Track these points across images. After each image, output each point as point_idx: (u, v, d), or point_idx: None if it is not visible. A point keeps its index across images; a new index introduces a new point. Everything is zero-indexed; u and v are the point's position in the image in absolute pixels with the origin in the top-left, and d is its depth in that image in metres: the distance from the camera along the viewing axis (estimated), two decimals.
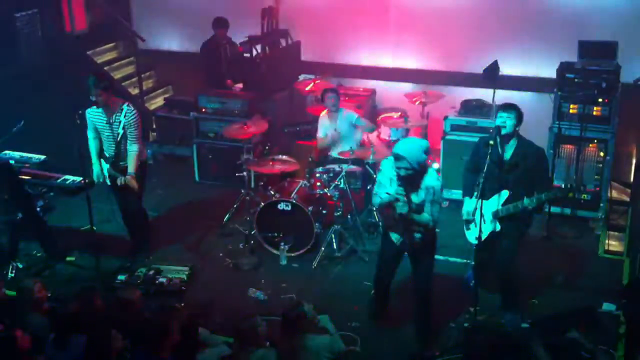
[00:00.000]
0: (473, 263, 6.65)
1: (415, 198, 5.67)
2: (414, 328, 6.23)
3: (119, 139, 7.00)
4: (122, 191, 7.21)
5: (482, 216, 5.85)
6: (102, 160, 7.19)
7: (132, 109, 7.01)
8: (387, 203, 5.72)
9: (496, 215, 6.02)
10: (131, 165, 7.03)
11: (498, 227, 6.05)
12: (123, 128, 6.95)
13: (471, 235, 6.34)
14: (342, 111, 8.31)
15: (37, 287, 5.72)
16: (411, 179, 5.62)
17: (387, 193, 5.68)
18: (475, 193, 6.01)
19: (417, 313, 6.22)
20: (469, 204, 6.24)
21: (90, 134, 7.16)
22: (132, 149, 7.02)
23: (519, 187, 5.93)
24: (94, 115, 7.06)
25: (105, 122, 7.01)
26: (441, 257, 7.42)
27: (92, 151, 7.21)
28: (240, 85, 9.96)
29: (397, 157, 5.58)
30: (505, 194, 5.98)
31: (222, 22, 9.75)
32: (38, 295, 5.70)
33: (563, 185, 6.04)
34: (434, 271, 6.15)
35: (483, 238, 6.00)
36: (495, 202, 6.02)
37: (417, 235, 5.83)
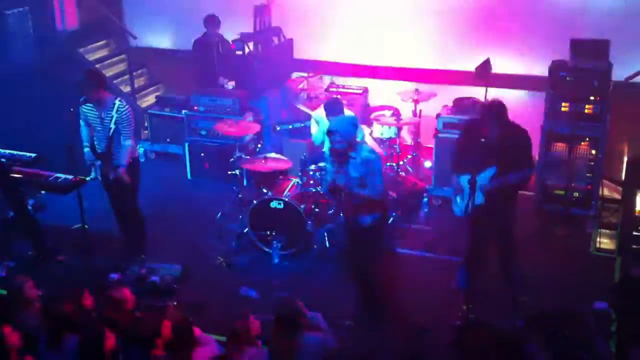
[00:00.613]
0: (463, 261, 6.65)
1: (354, 172, 6.04)
2: None
3: (110, 133, 6.96)
4: (115, 189, 7.19)
5: (473, 192, 5.99)
6: (94, 155, 7.18)
7: (125, 104, 6.99)
8: (332, 182, 6.26)
9: (481, 189, 6.23)
10: (123, 158, 7.01)
11: (481, 200, 6.25)
12: (115, 123, 6.92)
13: (457, 208, 6.51)
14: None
15: (28, 285, 5.70)
16: (345, 151, 6.06)
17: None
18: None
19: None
20: (460, 179, 6.41)
21: (82, 123, 7.17)
22: (126, 144, 7.01)
23: (504, 165, 6.13)
24: (87, 110, 7.06)
25: (96, 117, 6.99)
26: (433, 255, 7.47)
27: (84, 137, 7.20)
28: (232, 83, 9.95)
29: (331, 132, 6.09)
30: (492, 170, 6.14)
31: (213, 20, 9.72)
32: (28, 294, 5.68)
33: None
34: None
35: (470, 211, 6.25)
36: (483, 178, 6.22)
37: (366, 219, 6.20)
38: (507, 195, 6.34)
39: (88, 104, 7.00)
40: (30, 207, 7.72)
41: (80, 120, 7.18)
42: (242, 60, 9.67)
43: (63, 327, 5.13)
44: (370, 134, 8.83)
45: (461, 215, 6.42)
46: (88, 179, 7.17)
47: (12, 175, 7.26)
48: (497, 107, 6.18)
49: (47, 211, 8.16)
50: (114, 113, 6.90)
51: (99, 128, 7.04)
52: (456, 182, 6.47)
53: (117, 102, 6.94)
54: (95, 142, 7.14)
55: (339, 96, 8.89)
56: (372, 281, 6.47)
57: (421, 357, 5.95)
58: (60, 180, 7.26)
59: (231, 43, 9.80)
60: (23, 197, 7.48)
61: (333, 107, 7.63)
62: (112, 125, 6.94)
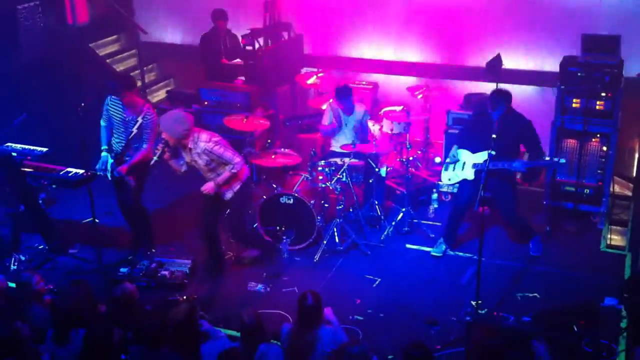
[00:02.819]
0: (476, 258, 6.65)
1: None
2: None
3: (130, 137, 7.05)
4: (119, 186, 7.25)
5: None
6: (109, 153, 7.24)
7: (151, 113, 7.07)
8: None
9: (477, 167, 6.94)
10: (132, 158, 7.08)
11: (471, 177, 7.01)
12: (137, 128, 7.01)
13: (445, 176, 7.32)
14: (355, 107, 8.28)
15: (35, 279, 5.72)
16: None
17: None
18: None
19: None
20: (458, 151, 7.19)
21: (103, 123, 7.23)
22: (143, 146, 7.10)
23: (501, 151, 6.55)
24: (113, 106, 7.12)
25: (122, 118, 7.06)
26: (439, 252, 7.47)
27: (103, 140, 7.25)
28: (242, 78, 9.95)
29: None
30: (490, 154, 6.34)
31: (221, 14, 9.74)
32: (37, 288, 5.71)
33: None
34: None
35: (453, 181, 7.27)
36: (480, 157, 6.84)
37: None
38: (503, 178, 6.85)
39: (116, 100, 7.06)
40: (41, 201, 7.76)
41: (102, 120, 7.22)
42: (252, 55, 9.67)
43: (71, 321, 5.15)
44: (380, 129, 8.82)
45: (446, 182, 7.44)
46: (99, 173, 7.20)
47: (23, 169, 7.29)
48: (503, 91, 6.96)
49: (58, 205, 8.19)
50: (139, 118, 6.98)
51: (121, 129, 7.11)
52: (452, 154, 7.17)
53: (145, 110, 7.03)
54: (114, 141, 7.20)
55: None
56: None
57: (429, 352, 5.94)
58: (71, 174, 7.29)
59: (240, 37, 9.80)
60: (34, 191, 7.51)
61: (343, 92, 8.05)
62: (135, 130, 7.01)
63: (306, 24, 10.42)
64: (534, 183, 8.36)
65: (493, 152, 6.32)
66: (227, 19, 9.76)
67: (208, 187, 6.89)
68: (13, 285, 5.89)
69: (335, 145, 8.31)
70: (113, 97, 7.09)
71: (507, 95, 6.97)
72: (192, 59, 10.46)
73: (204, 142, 6.72)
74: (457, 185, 7.46)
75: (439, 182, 8.47)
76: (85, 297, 5.42)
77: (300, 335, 5.17)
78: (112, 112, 7.13)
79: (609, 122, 7.71)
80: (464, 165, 7.14)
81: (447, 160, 7.33)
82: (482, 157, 6.86)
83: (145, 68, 11.08)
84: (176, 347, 4.99)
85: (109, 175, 7.20)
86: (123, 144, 7.11)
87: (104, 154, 7.22)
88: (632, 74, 8.47)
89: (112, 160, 7.18)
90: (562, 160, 6.83)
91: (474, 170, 7.03)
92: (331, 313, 5.69)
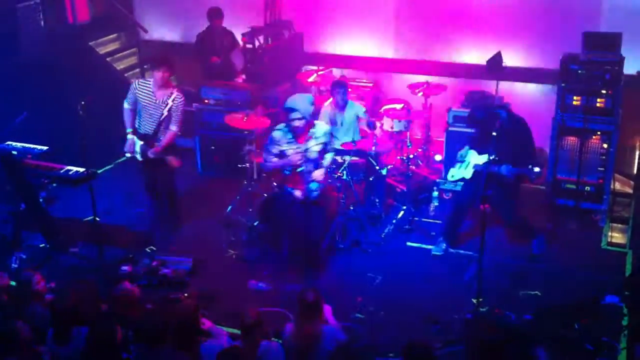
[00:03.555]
0: (477, 255, 6.64)
1: (313, 152, 6.79)
2: None
3: (161, 119, 7.30)
4: (152, 167, 7.53)
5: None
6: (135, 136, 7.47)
7: (181, 95, 7.38)
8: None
9: (477, 168, 7.01)
10: (164, 140, 7.38)
11: (469, 176, 7.12)
12: (168, 111, 7.26)
13: (450, 172, 7.36)
14: (350, 104, 8.27)
15: (36, 278, 5.72)
16: (303, 129, 6.70)
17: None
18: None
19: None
20: (469, 152, 7.19)
21: (127, 105, 7.46)
22: (173, 128, 7.39)
23: (501, 154, 6.60)
24: (142, 88, 7.37)
25: (152, 100, 7.30)
26: (440, 250, 7.47)
27: (127, 122, 7.49)
28: (242, 77, 9.96)
29: (289, 110, 6.67)
30: (489, 156, 6.46)
31: (216, 13, 9.75)
32: (37, 287, 5.69)
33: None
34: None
35: (455, 179, 7.33)
36: (482, 159, 6.92)
37: (314, 185, 6.84)
38: (501, 181, 6.82)
39: (147, 81, 7.35)
40: (41, 200, 7.75)
41: (125, 102, 7.45)
42: (252, 53, 9.67)
43: (71, 320, 5.15)
44: (381, 127, 8.82)
45: (449, 178, 7.45)
46: (123, 159, 7.35)
47: (24, 167, 7.29)
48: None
49: (59, 204, 8.20)
50: (170, 101, 7.25)
51: (151, 111, 7.33)
52: (462, 153, 7.22)
53: (175, 92, 7.34)
54: (141, 123, 7.41)
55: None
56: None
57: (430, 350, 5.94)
58: (71, 172, 7.29)
59: (242, 36, 9.81)
60: (34, 189, 7.51)
61: (337, 83, 8.32)
62: (165, 112, 7.26)
63: (306, 22, 10.42)
64: (536, 181, 8.36)
65: (493, 157, 6.38)
66: (223, 17, 9.76)
67: (318, 174, 6.98)
68: (14, 283, 5.89)
69: (336, 143, 8.30)
70: (141, 80, 7.45)
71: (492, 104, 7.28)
72: (192, 57, 10.46)
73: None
74: (459, 183, 7.45)
75: (440, 179, 8.48)
76: (86, 295, 5.43)
77: (302, 333, 5.16)
78: (140, 96, 7.35)
79: (609, 119, 7.71)
80: (468, 165, 7.18)
81: (458, 158, 7.33)
82: (483, 159, 6.86)
83: (145, 66, 11.06)
84: (177, 345, 4.99)
85: (139, 156, 7.44)
86: (154, 127, 7.35)
87: (129, 136, 7.45)
88: (633, 72, 8.46)
89: (141, 142, 7.38)
90: (537, 169, 6.65)
91: (473, 170, 7.08)
92: (330, 312, 5.69)
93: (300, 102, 6.89)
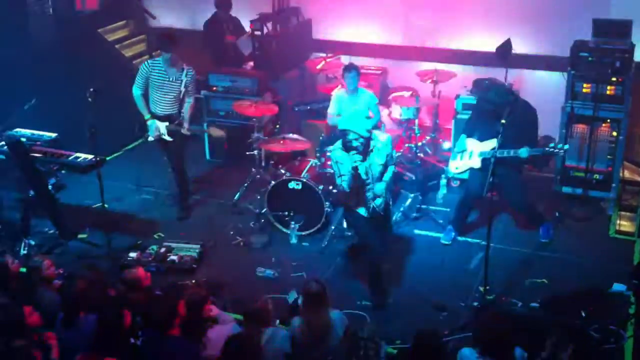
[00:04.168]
0: (485, 243, 6.64)
1: (376, 166, 6.17)
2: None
3: (181, 96, 7.51)
4: (175, 148, 7.75)
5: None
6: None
7: (191, 68, 7.64)
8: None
9: (482, 155, 6.91)
10: (187, 114, 7.62)
11: (478, 166, 7.01)
12: (185, 86, 7.47)
13: (452, 165, 7.33)
14: (362, 91, 8.21)
15: (46, 264, 5.77)
16: (364, 146, 6.04)
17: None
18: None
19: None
20: (466, 140, 7.15)
21: (139, 90, 7.57)
22: (189, 100, 7.59)
23: (508, 139, 6.48)
24: (153, 69, 7.50)
25: (165, 77, 7.47)
26: (449, 239, 7.47)
27: (143, 109, 7.61)
28: (250, 64, 9.94)
29: (345, 132, 6.02)
30: (496, 141, 6.41)
31: (223, 2, 9.74)
32: (47, 272, 5.75)
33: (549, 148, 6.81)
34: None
35: (461, 170, 7.26)
36: (486, 146, 6.87)
37: (378, 201, 6.28)
38: (510, 166, 6.80)
39: (158, 61, 7.50)
40: (50, 187, 7.79)
41: (136, 88, 7.54)
42: (260, 40, 9.65)
43: (80, 306, 5.19)
44: (389, 114, 8.80)
45: (454, 171, 7.38)
46: (132, 145, 7.44)
47: (32, 154, 7.33)
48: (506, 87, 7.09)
49: (67, 190, 8.23)
50: (183, 77, 7.45)
51: (166, 89, 7.49)
52: (460, 142, 7.18)
53: (186, 67, 7.54)
54: (158, 105, 7.56)
55: None
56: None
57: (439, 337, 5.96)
58: (80, 160, 7.32)
59: (249, 23, 9.78)
60: (43, 176, 7.54)
61: (348, 67, 8.04)
62: (182, 88, 7.47)
63: (315, 8, 10.37)
64: (544, 169, 8.35)
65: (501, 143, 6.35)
66: (231, 5, 9.75)
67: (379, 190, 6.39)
68: (24, 270, 5.93)
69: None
70: (150, 60, 7.59)
71: (507, 90, 7.02)
72: (201, 45, 10.44)
73: None
74: (467, 172, 7.40)
75: (448, 168, 8.46)
76: (95, 281, 5.47)
77: (311, 324, 5.16)
78: (153, 77, 7.49)
79: (619, 107, 7.66)
80: (471, 154, 7.11)
81: (455, 149, 7.32)
82: (488, 145, 6.84)
83: (154, 53, 11.03)
84: (185, 332, 5.03)
85: (167, 137, 7.63)
86: (176, 105, 7.57)
87: (151, 121, 7.59)
88: None
89: (165, 123, 7.56)
90: (566, 147, 6.83)
91: (480, 158, 6.99)
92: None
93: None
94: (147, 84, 7.53)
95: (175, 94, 7.53)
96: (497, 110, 6.60)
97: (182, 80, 7.48)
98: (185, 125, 7.61)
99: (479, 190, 6.96)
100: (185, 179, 8.07)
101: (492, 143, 6.67)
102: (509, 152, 6.65)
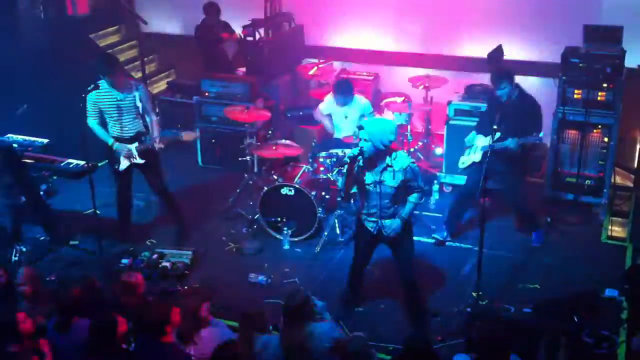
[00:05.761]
0: (477, 248, 6.65)
1: (390, 181, 5.73)
2: (408, 314, 6.30)
3: (142, 112, 7.12)
4: (151, 169, 7.34)
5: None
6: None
7: (139, 81, 7.34)
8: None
9: (484, 149, 6.90)
10: (156, 131, 7.19)
11: (479, 159, 7.08)
12: (140, 101, 7.05)
13: (460, 160, 7.43)
14: (356, 99, 8.22)
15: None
16: (374, 159, 5.70)
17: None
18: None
19: (407, 298, 6.31)
20: (475, 137, 7.26)
21: (94, 121, 7.05)
22: (153, 118, 7.23)
23: (509, 131, 6.70)
24: (101, 97, 6.95)
25: (119, 101, 6.97)
26: (441, 236, 7.48)
27: (104, 136, 7.10)
28: (243, 69, 9.94)
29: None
30: (496, 135, 6.55)
31: (212, 7, 9.76)
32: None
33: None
34: (414, 253, 6.24)
35: (465, 165, 7.33)
36: (488, 140, 6.84)
37: (396, 222, 5.91)
38: (509, 159, 6.88)
39: (102, 91, 6.91)
40: (42, 192, 7.76)
41: (91, 120, 7.03)
42: (252, 46, 9.66)
43: (72, 311, 5.16)
44: None
45: (460, 166, 7.44)
46: (121, 169, 7.21)
47: (24, 160, 7.30)
48: (503, 70, 7.07)
49: (59, 196, 8.20)
50: (134, 92, 7.01)
51: (123, 109, 7.01)
52: (469, 138, 7.29)
53: (134, 82, 7.17)
54: (122, 128, 7.07)
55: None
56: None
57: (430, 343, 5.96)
58: (72, 165, 7.30)
59: (241, 29, 9.79)
60: (35, 182, 7.52)
61: (343, 87, 7.96)
62: (139, 103, 7.04)
63: (307, 14, 10.38)
64: (536, 174, 8.38)
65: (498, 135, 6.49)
66: (218, 11, 9.77)
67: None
68: None
69: (338, 137, 8.30)
70: (95, 91, 6.89)
71: (506, 74, 6.96)
72: (193, 50, 10.45)
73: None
74: (460, 178, 7.43)
75: (441, 173, 8.48)
76: (88, 287, 5.44)
77: (286, 337, 5.11)
78: (103, 103, 6.98)
79: (610, 113, 7.69)
80: (476, 149, 7.21)
81: (466, 144, 7.41)
82: (490, 139, 6.85)
83: (145, 59, 11.03)
84: (178, 337, 5.01)
85: (139, 160, 7.19)
86: (139, 121, 7.14)
87: (116, 145, 7.10)
88: (634, 65, 8.43)
89: (135, 144, 7.13)
90: (541, 134, 6.89)
91: (481, 152, 7.05)
92: (324, 308, 5.67)
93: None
94: (100, 114, 7.08)
95: (133, 112, 7.07)
96: (495, 102, 6.82)
97: (134, 95, 7.02)
98: (156, 140, 7.17)
99: (474, 186, 6.85)
100: (171, 198, 7.65)
101: (493, 137, 6.73)
102: (501, 145, 6.73)
